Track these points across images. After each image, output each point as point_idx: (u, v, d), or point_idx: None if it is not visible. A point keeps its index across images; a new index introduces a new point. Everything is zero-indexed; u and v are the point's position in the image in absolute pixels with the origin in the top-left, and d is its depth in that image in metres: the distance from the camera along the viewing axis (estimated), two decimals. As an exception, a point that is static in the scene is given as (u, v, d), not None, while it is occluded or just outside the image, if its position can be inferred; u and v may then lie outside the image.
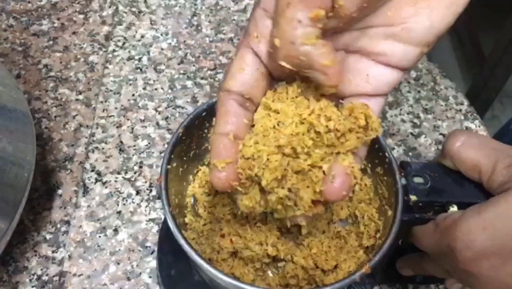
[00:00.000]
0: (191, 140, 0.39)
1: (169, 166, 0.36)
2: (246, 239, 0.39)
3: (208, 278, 0.36)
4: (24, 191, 0.41)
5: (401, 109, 0.61)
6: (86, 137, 0.55)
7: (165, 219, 0.40)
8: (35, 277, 0.45)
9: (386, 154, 0.37)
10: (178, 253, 0.33)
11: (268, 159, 0.29)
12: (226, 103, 0.30)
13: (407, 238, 0.39)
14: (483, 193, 0.35)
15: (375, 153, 0.38)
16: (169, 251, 0.43)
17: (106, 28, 0.65)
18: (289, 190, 0.29)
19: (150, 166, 0.53)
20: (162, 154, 0.54)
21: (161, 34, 0.65)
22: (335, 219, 0.41)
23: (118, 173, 0.52)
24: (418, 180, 0.36)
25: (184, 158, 0.39)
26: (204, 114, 0.38)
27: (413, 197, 0.36)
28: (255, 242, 0.39)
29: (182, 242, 0.32)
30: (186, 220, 0.40)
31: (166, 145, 0.55)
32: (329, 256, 0.38)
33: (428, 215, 0.37)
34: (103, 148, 0.54)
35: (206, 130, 0.40)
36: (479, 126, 0.60)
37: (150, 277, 0.46)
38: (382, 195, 0.39)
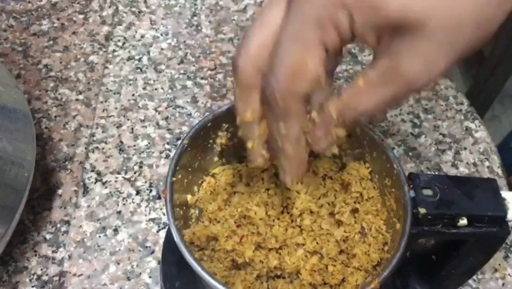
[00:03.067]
0: (196, 151, 0.38)
1: (174, 178, 0.35)
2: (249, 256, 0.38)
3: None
4: (24, 191, 0.41)
5: (401, 109, 0.61)
6: (86, 137, 0.55)
7: (168, 229, 0.40)
8: (35, 277, 0.45)
9: (394, 165, 0.36)
10: (182, 265, 0.32)
11: None
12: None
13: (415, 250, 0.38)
14: (493, 205, 0.35)
15: (383, 164, 0.37)
16: (173, 262, 0.42)
17: (106, 28, 0.65)
18: None
19: (150, 166, 0.53)
20: (162, 154, 0.54)
21: (161, 34, 0.65)
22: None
23: (118, 173, 0.52)
24: (427, 192, 0.35)
25: (189, 169, 0.38)
26: (209, 124, 0.38)
27: (422, 210, 0.35)
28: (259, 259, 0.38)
29: (187, 256, 0.31)
30: None
31: (166, 145, 0.55)
32: (336, 269, 0.37)
33: (437, 228, 0.36)
34: (103, 148, 0.54)
35: (211, 141, 0.39)
36: (479, 126, 0.60)
37: (150, 277, 0.46)
38: (390, 207, 0.38)
